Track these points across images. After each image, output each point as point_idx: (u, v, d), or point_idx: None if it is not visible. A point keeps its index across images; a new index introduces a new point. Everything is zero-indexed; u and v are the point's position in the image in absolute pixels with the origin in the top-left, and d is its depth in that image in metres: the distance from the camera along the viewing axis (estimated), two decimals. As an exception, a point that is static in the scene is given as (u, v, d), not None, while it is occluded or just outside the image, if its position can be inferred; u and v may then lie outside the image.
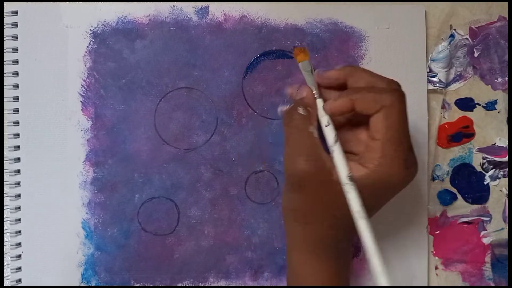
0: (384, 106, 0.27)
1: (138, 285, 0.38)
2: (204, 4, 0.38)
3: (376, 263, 0.26)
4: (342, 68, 0.30)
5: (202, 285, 0.38)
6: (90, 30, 0.37)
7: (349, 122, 0.31)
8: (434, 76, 0.39)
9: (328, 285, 0.30)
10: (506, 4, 0.39)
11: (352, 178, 0.27)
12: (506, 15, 0.40)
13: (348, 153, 0.29)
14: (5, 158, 0.37)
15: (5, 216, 0.37)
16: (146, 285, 0.38)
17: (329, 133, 0.29)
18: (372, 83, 0.29)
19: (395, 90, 0.28)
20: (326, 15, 0.38)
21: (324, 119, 0.29)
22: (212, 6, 0.38)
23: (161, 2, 0.37)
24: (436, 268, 0.40)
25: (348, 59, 0.38)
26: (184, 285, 0.38)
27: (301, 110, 0.29)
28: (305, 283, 0.31)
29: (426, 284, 0.39)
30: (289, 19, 0.38)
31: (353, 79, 0.30)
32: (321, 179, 0.28)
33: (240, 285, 0.38)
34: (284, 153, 0.30)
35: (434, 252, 0.40)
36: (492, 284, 0.40)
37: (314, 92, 0.30)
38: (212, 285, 0.38)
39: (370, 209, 0.28)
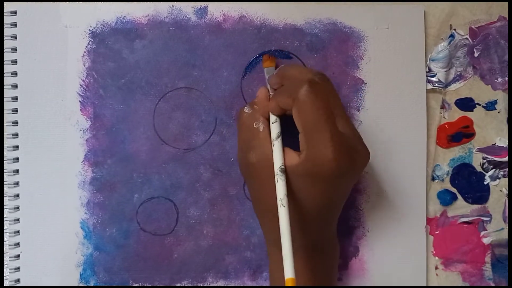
0: (296, 100, 0.28)
1: (137, 285, 0.38)
2: (203, 4, 0.38)
3: (286, 247, 0.27)
4: (278, 71, 0.33)
5: (201, 285, 0.38)
6: (89, 30, 0.37)
7: None
8: (433, 76, 0.39)
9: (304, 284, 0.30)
10: (506, 4, 0.39)
11: (282, 170, 0.29)
12: (506, 15, 0.39)
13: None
14: (4, 158, 0.37)
15: (3, 215, 0.37)
16: (145, 285, 0.38)
17: (273, 130, 0.31)
18: (298, 78, 0.30)
19: (306, 81, 0.28)
20: (326, 15, 0.38)
21: (272, 117, 0.32)
22: (211, 6, 0.38)
23: (160, 2, 0.37)
24: (436, 268, 0.40)
25: (347, 59, 0.38)
26: (183, 285, 0.38)
27: (246, 109, 0.33)
28: (276, 280, 0.32)
29: (424, 284, 0.39)
30: (288, 19, 0.38)
31: (286, 78, 0.32)
32: (266, 170, 0.30)
33: (239, 285, 0.38)
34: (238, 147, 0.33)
35: (434, 252, 0.40)
36: (492, 284, 0.40)
37: (270, 94, 0.33)
38: (211, 285, 0.38)
39: (318, 199, 0.29)
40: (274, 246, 0.32)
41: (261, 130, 0.31)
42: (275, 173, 0.29)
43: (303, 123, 0.29)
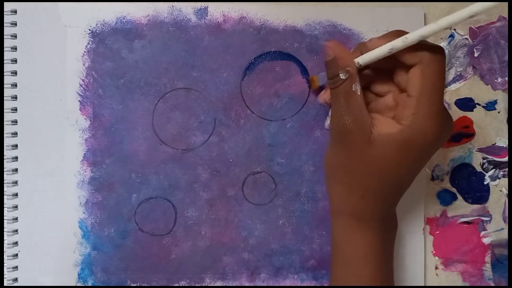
0: (422, 61, 0.27)
1: (134, 285, 0.38)
2: (203, 4, 0.38)
3: None
4: (388, 35, 0.30)
5: (199, 285, 0.38)
6: (89, 29, 0.37)
7: (378, 79, 0.32)
8: None
9: (371, 257, 0.30)
10: (506, 4, 0.39)
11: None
12: (506, 15, 0.39)
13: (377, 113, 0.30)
14: (3, 157, 0.37)
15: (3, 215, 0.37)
16: (143, 285, 0.38)
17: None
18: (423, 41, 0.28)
19: (436, 47, 0.28)
20: (325, 17, 0.38)
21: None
22: (211, 6, 0.38)
23: (160, 2, 0.37)
24: (436, 268, 0.40)
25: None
26: (181, 285, 0.38)
27: (342, 75, 0.29)
28: (345, 252, 0.31)
29: (423, 284, 0.39)
30: (288, 21, 0.38)
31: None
32: (361, 135, 0.29)
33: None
34: (331, 114, 0.31)
35: (434, 252, 0.40)
36: (492, 284, 0.40)
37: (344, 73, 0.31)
38: (209, 285, 0.38)
39: (407, 169, 0.29)
40: (344, 217, 0.31)
41: (358, 93, 0.29)
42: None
43: (422, 87, 0.27)
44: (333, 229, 0.33)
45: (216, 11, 0.38)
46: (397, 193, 0.31)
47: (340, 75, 0.29)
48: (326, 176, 0.33)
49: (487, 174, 0.40)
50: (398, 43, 0.28)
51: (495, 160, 0.40)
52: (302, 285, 0.39)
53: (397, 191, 0.31)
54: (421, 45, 0.28)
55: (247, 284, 0.38)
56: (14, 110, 0.37)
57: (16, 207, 0.37)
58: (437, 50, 0.27)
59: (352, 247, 0.31)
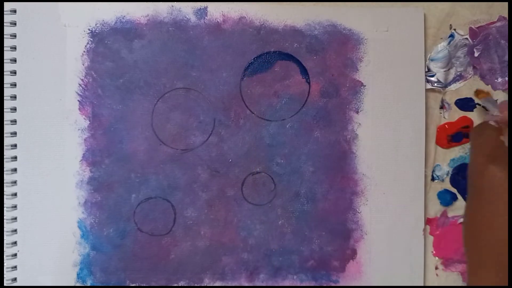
0: None
1: (133, 285, 0.38)
2: (203, 4, 0.38)
3: None
4: None
5: (198, 285, 0.38)
6: (89, 29, 0.37)
7: None
8: (432, 76, 0.39)
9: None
10: (506, 4, 0.39)
11: None
12: (506, 15, 0.39)
13: None
14: (3, 156, 0.37)
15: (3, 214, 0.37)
16: (142, 285, 0.38)
17: None
18: None
19: None
20: (325, 17, 0.38)
21: None
22: (211, 6, 0.38)
23: (159, 2, 0.37)
24: (436, 268, 0.40)
25: (347, 61, 0.38)
26: (180, 285, 0.38)
27: (492, 123, 0.33)
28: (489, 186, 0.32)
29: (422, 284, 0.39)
30: (288, 21, 0.38)
31: None
32: (505, 186, 0.30)
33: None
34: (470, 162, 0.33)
35: (434, 252, 0.40)
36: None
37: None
38: (208, 285, 0.38)
39: None
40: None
41: (506, 145, 0.31)
42: None
43: None
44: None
45: (215, 11, 0.38)
46: None
47: (491, 122, 0.34)
48: None
49: (487, 175, 0.40)
50: None
51: (495, 161, 0.40)
52: (302, 285, 0.39)
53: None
54: None
55: (246, 285, 0.38)
56: (14, 109, 0.37)
57: (15, 206, 0.37)
58: None
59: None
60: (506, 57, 0.39)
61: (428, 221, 0.40)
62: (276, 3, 0.38)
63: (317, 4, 0.38)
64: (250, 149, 0.38)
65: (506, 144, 0.31)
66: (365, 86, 0.38)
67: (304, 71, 0.38)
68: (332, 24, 0.38)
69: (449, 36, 0.39)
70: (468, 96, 0.40)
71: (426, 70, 0.39)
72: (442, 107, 0.40)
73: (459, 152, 0.40)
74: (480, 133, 0.33)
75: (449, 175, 0.40)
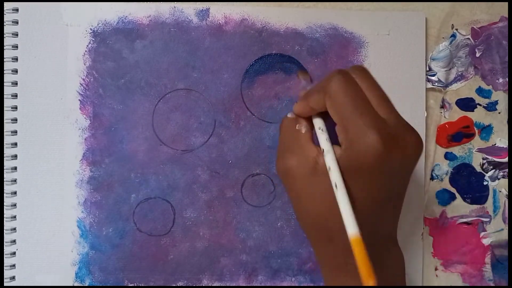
0: (327, 94, 0.27)
1: (132, 285, 0.38)
2: (205, 6, 0.38)
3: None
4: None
5: (196, 286, 0.38)
6: (91, 29, 0.37)
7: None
8: (433, 75, 0.39)
9: None
10: (506, 4, 0.39)
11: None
12: (507, 15, 0.39)
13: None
14: (3, 155, 0.37)
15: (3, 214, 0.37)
16: (140, 285, 0.38)
17: (320, 136, 0.29)
18: (327, 76, 0.29)
19: (335, 72, 0.27)
20: (327, 20, 0.38)
21: (317, 123, 0.30)
22: (213, 8, 0.38)
23: (162, 3, 0.37)
24: (436, 269, 0.40)
25: (348, 64, 0.38)
26: (178, 286, 0.38)
27: (289, 114, 0.32)
28: None
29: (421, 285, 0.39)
30: (290, 23, 0.38)
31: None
32: (306, 174, 0.28)
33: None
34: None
35: (433, 253, 0.40)
36: (493, 285, 0.40)
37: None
38: (206, 286, 0.38)
39: (374, 195, 0.26)
40: (326, 268, 0.29)
41: (303, 132, 0.29)
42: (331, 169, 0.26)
43: (338, 113, 0.27)
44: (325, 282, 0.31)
45: (217, 12, 0.38)
46: (373, 222, 0.27)
47: (288, 114, 0.32)
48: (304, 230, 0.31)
49: (487, 175, 0.40)
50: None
51: (495, 161, 0.40)
52: (300, 286, 0.39)
53: (369, 219, 0.27)
54: (323, 81, 0.28)
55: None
56: (14, 108, 0.37)
57: (14, 205, 0.37)
58: (335, 76, 0.27)
59: None
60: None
61: (427, 222, 0.40)
62: (278, 6, 0.38)
63: (318, 6, 0.38)
64: (250, 150, 0.38)
65: (303, 131, 0.30)
66: (365, 89, 0.38)
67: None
68: (334, 27, 0.38)
69: (451, 36, 0.39)
70: (469, 96, 0.40)
71: (427, 69, 0.39)
72: (442, 107, 0.40)
73: (459, 152, 0.40)
74: (280, 125, 0.32)
75: (449, 174, 0.40)
